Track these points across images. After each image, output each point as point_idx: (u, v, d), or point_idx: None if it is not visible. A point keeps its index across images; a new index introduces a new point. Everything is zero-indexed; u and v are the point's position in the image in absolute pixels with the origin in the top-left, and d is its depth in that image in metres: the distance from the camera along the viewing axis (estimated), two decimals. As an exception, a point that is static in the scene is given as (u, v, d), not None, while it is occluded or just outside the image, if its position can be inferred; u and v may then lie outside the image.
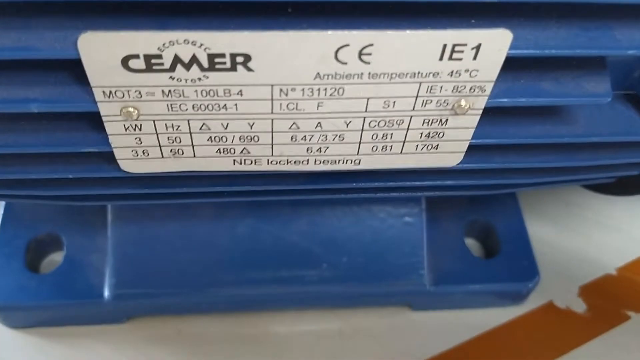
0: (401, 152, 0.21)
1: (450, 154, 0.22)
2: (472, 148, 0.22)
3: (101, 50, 0.17)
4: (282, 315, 0.31)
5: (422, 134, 0.21)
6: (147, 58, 0.17)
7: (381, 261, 0.30)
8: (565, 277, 0.33)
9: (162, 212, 0.29)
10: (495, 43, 0.17)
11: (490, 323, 0.32)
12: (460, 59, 0.18)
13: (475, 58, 0.18)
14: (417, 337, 0.31)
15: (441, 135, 0.21)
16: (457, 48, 0.17)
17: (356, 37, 0.17)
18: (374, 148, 0.21)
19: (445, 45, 0.17)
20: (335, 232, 0.29)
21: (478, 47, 0.18)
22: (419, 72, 0.18)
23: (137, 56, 0.17)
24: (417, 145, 0.21)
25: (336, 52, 0.17)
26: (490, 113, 0.21)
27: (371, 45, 0.17)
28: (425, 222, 0.30)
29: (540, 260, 0.32)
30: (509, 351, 0.31)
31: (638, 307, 0.32)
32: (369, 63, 0.18)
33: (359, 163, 0.22)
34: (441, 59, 0.18)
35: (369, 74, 0.18)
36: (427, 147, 0.21)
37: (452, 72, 0.18)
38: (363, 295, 0.30)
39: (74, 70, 0.18)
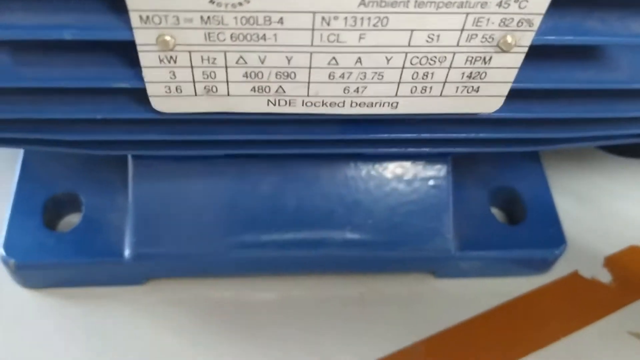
0: (440, 94, 0.21)
1: (490, 97, 0.21)
2: (512, 95, 0.21)
3: (141, -32, 0.16)
4: (304, 280, 0.31)
5: (463, 74, 0.20)
6: (188, -22, 0.16)
7: (406, 225, 0.29)
8: (590, 248, 0.33)
9: (184, 170, 0.28)
10: (547, -31, 0.17)
11: (514, 292, 0.31)
12: (510, -13, 0.17)
13: (525, -14, 0.17)
14: (440, 304, 0.31)
15: (483, 75, 0.20)
16: (508, -26, 0.17)
17: (405, -41, 0.16)
18: (413, 89, 0.20)
19: (496, -30, 0.17)
20: (360, 193, 0.29)
21: (530, -27, 0.17)
22: (466, 1, 0.18)
23: (177, -25, 0.16)
24: (457, 87, 0.20)
25: (384, -25, 0.17)
26: (532, 56, 0.20)
27: (420, -32, 0.17)
28: (451, 186, 0.29)
29: (565, 230, 0.31)
30: (533, 320, 0.30)
31: (664, 279, 0.32)
32: (416, -11, 0.17)
33: (396, 106, 0.21)
34: (491, -14, 0.17)
35: (415, 2, 0.17)
36: (467, 90, 0.21)
37: (500, 1, 0.18)
38: (387, 259, 0.30)
39: (109, -5, 0.18)
